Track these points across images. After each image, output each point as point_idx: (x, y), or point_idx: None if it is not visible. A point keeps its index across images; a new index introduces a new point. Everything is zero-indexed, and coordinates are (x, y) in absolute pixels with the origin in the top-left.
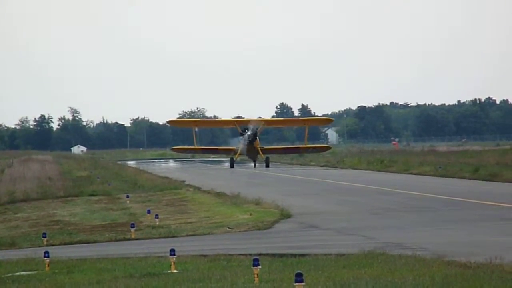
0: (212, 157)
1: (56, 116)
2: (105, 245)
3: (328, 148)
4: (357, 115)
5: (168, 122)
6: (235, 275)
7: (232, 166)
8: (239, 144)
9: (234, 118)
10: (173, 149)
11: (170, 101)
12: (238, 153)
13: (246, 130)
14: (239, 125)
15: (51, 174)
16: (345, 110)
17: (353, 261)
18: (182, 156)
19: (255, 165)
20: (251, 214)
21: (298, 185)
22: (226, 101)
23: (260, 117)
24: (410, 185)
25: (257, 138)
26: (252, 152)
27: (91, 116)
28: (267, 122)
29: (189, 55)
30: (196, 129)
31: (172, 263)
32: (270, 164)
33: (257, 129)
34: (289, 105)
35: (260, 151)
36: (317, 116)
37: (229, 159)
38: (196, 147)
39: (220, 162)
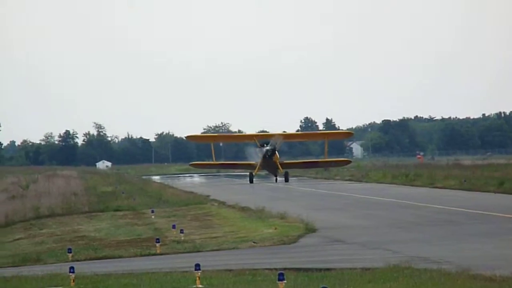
0: (237, 172)
1: (81, 131)
2: (130, 260)
3: (348, 162)
4: (382, 129)
5: (186, 137)
6: None
7: (251, 181)
8: (258, 159)
9: (258, 132)
10: (192, 165)
11: (195, 115)
12: (257, 168)
13: (266, 145)
14: (258, 140)
15: (76, 190)
16: (369, 124)
17: (378, 275)
18: (206, 170)
19: (276, 179)
20: (276, 229)
21: (322, 199)
22: (250, 115)
23: (284, 131)
24: (435, 199)
25: (276, 152)
26: (271, 167)
27: (116, 131)
28: (286, 136)
29: (214, 70)
30: (221, 144)
31: (197, 278)
32: (289, 178)
33: (276, 143)
34: (313, 119)
35: (279, 166)
36: (340, 129)
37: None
38: (215, 162)
39: (245, 176)
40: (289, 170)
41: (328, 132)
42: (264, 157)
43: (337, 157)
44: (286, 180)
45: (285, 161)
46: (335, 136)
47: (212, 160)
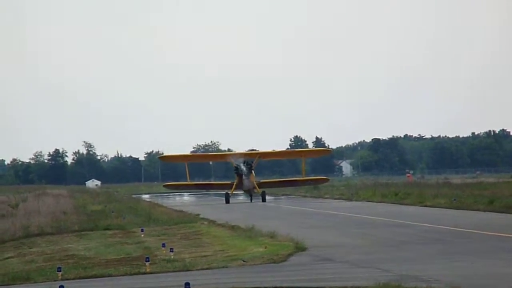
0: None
1: (71, 150)
2: (120, 279)
3: (326, 180)
4: (372, 147)
5: (159, 158)
6: None
7: (227, 202)
8: (234, 179)
9: (248, 151)
10: (165, 186)
11: (185, 134)
12: (233, 187)
13: (242, 164)
14: (233, 159)
15: (65, 208)
16: (359, 142)
17: None
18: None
19: (251, 199)
20: (266, 247)
21: (312, 218)
22: (240, 134)
23: (274, 149)
24: (425, 217)
25: (252, 171)
26: (246, 187)
27: (105, 150)
28: (262, 155)
29: (203, 88)
30: (210, 163)
31: None
32: (266, 198)
33: (252, 162)
34: (303, 138)
35: (256, 185)
36: (324, 147)
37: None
38: (189, 182)
39: (235, 195)
40: (266, 190)
41: (304, 150)
42: (239, 176)
43: (326, 176)
44: (263, 200)
45: (261, 181)
46: (312, 154)
47: (208, 178)
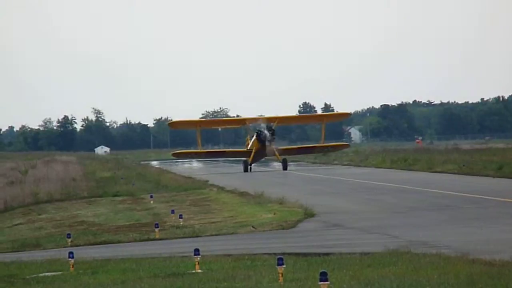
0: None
1: (80, 117)
2: (129, 245)
3: (346, 145)
4: (380, 113)
5: (169, 124)
6: (260, 274)
7: (246, 170)
8: (252, 145)
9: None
10: (174, 154)
11: (194, 101)
12: (252, 155)
13: (262, 129)
14: (250, 124)
15: (74, 175)
16: (368, 109)
17: (377, 260)
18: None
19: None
20: (275, 214)
21: (321, 184)
22: (249, 101)
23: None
24: (434, 183)
25: (274, 138)
26: (268, 154)
27: (114, 116)
28: (280, 119)
29: (211, 56)
30: (219, 129)
31: (197, 263)
32: (288, 166)
33: (271, 127)
34: (312, 104)
35: (277, 153)
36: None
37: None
38: (201, 150)
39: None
40: (286, 157)
41: (325, 114)
42: (261, 142)
43: (335, 142)
44: (285, 168)
45: (280, 147)
46: (332, 118)
47: (213, 146)
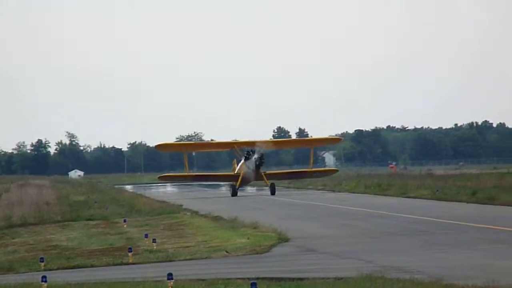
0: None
1: (53, 140)
2: (102, 269)
3: (335, 171)
4: (354, 138)
5: (156, 146)
6: None
7: (234, 194)
8: (239, 169)
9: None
10: (161, 178)
11: (167, 125)
12: (240, 179)
13: (251, 153)
14: (240, 148)
15: (48, 199)
16: (342, 133)
17: (351, 284)
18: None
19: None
20: (248, 238)
21: (295, 209)
22: (223, 125)
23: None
24: (408, 208)
25: (263, 162)
26: (256, 179)
27: (88, 140)
28: (274, 143)
29: (186, 80)
30: (193, 153)
31: (170, 287)
32: (276, 190)
33: (260, 151)
34: (286, 129)
35: (264, 177)
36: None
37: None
38: (188, 173)
39: (218, 186)
40: (274, 181)
41: (315, 138)
42: (250, 167)
43: (309, 167)
44: (273, 193)
45: (268, 172)
46: (323, 142)
47: (184, 171)
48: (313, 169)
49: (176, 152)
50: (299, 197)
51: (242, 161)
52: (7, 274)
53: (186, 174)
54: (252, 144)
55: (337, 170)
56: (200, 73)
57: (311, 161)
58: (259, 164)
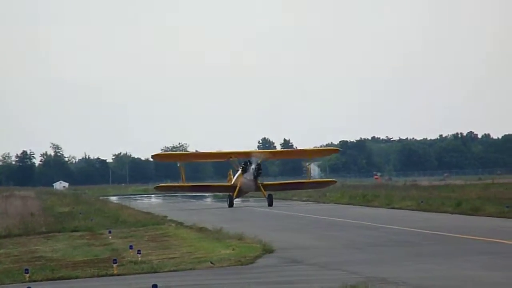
0: (194, 193)
1: (38, 152)
2: (87, 281)
3: (333, 182)
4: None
5: (152, 156)
6: None
7: (231, 205)
8: (236, 180)
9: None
10: (157, 188)
11: (152, 136)
12: (237, 190)
13: (249, 163)
14: (236, 158)
15: (33, 210)
16: (326, 144)
17: None
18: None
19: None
20: (233, 249)
21: (280, 220)
22: (208, 136)
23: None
24: (393, 219)
25: (261, 172)
26: (253, 189)
27: (73, 151)
28: (272, 154)
29: (170, 91)
30: (178, 164)
31: None
32: (273, 202)
33: (257, 161)
34: (271, 140)
35: (262, 188)
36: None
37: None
38: (184, 184)
39: (202, 197)
40: (272, 192)
41: (312, 149)
42: (250, 177)
43: (295, 178)
44: (270, 204)
45: (264, 183)
46: (321, 153)
47: (177, 181)
48: (311, 180)
49: (171, 162)
50: (284, 208)
51: (239, 171)
52: None
53: (183, 184)
54: (249, 154)
55: (335, 181)
56: (185, 84)
57: (309, 171)
58: (257, 174)
